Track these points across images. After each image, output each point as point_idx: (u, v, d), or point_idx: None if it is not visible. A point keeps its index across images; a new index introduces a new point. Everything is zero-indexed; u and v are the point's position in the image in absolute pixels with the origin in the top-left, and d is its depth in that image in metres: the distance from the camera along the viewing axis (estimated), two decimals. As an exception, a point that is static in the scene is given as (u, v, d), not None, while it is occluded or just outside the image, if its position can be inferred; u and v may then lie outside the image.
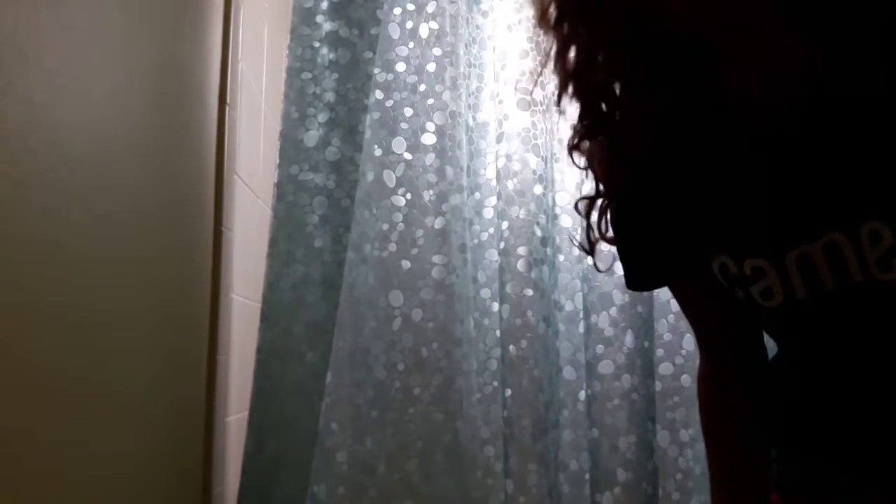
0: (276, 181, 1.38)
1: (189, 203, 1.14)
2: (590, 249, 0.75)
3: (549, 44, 0.68)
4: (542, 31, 0.68)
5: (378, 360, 1.30)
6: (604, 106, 0.69)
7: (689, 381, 1.35)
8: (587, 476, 1.35)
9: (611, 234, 0.75)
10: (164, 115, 1.02)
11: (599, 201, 0.74)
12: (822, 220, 0.60)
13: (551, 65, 0.69)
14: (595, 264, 0.80)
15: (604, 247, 0.77)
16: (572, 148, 0.72)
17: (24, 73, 0.65)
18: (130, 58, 0.90)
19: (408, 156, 1.35)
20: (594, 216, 0.74)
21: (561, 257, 1.42)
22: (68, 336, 0.74)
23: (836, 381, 0.68)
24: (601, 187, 0.74)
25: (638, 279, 0.79)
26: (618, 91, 0.68)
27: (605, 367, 1.39)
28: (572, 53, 0.67)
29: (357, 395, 1.29)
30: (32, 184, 0.66)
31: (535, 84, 0.73)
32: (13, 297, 0.64)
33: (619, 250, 0.77)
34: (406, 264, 1.32)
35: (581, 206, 0.75)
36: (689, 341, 1.36)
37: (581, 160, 0.73)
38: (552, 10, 0.67)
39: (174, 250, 1.07)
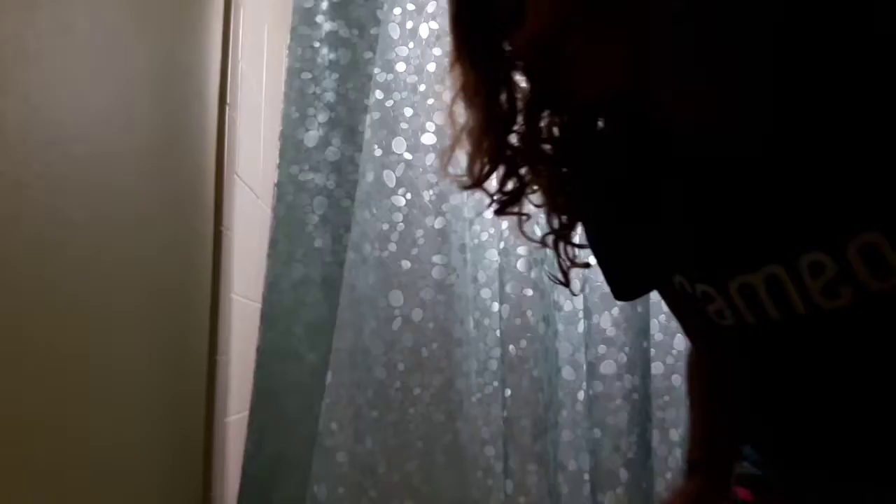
0: (276, 181, 1.38)
1: (189, 203, 1.14)
2: (564, 279, 0.75)
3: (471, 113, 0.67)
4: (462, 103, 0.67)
5: (378, 360, 1.30)
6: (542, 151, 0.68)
7: (679, 380, 1.36)
8: (586, 476, 1.35)
9: (580, 259, 0.75)
10: (164, 115, 1.02)
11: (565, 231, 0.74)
12: (759, 251, 0.60)
13: (468, 138, 0.67)
14: (570, 290, 0.80)
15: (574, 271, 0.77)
16: (503, 209, 0.71)
17: (24, 73, 0.65)
18: (130, 58, 0.90)
19: (408, 156, 1.35)
20: (561, 246, 0.73)
21: (560, 257, 1.42)
22: (68, 336, 0.74)
23: (792, 395, 0.69)
24: (563, 219, 0.72)
25: (620, 290, 0.79)
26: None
27: (607, 368, 1.39)
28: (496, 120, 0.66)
29: (357, 396, 1.29)
30: (32, 184, 0.66)
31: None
32: (13, 297, 0.64)
33: (598, 264, 0.78)
34: (406, 264, 1.32)
35: (549, 240, 0.74)
36: (680, 341, 1.36)
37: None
38: (472, 79, 0.66)
39: (174, 250, 1.07)
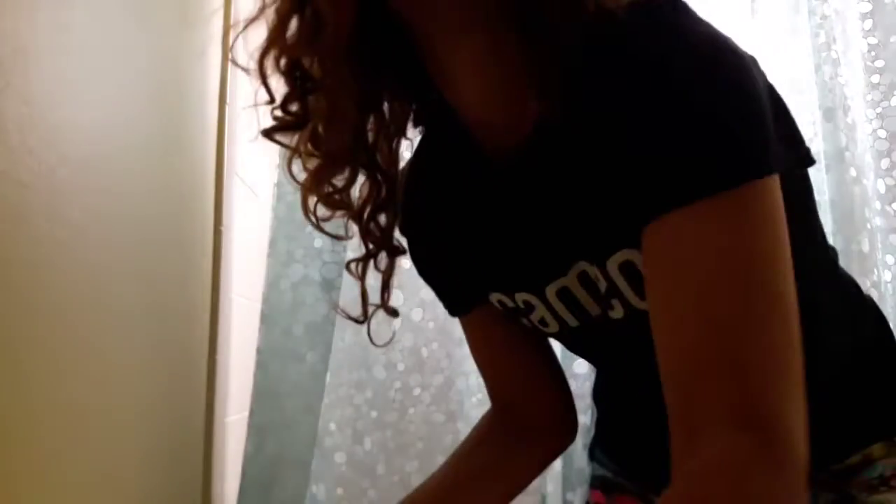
0: (276, 181, 1.38)
1: (189, 203, 1.14)
2: (364, 316, 0.69)
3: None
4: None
5: (378, 360, 1.30)
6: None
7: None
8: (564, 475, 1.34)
9: (392, 301, 0.70)
10: (164, 115, 1.02)
11: (374, 260, 0.68)
12: (568, 252, 0.59)
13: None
14: (370, 336, 0.70)
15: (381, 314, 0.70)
16: (273, 131, 0.65)
17: (24, 73, 0.65)
18: (130, 58, 0.90)
19: (408, 155, 1.34)
20: (371, 278, 0.69)
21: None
22: (68, 336, 0.74)
23: (622, 394, 0.69)
24: (373, 244, 0.68)
25: (452, 307, 0.76)
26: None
27: (579, 367, 1.38)
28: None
29: (357, 396, 1.29)
30: (32, 184, 0.66)
31: None
32: (13, 297, 0.64)
33: (428, 283, 0.76)
34: (406, 264, 1.32)
35: (354, 267, 0.68)
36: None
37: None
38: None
39: (174, 250, 1.07)
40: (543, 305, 0.64)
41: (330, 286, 1.36)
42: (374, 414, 1.29)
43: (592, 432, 1.21)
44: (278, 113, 0.61)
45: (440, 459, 1.28)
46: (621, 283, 0.56)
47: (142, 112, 0.94)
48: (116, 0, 0.86)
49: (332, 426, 1.28)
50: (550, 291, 0.62)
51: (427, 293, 1.31)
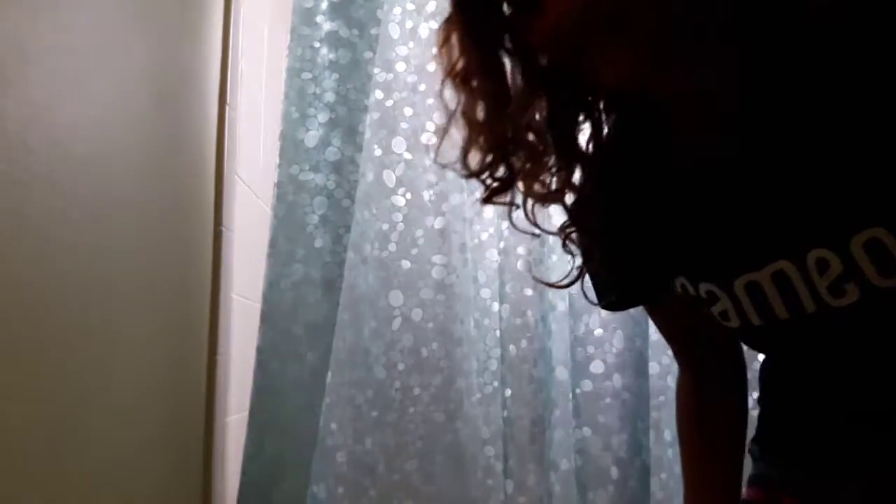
0: (276, 181, 1.38)
1: (189, 203, 1.14)
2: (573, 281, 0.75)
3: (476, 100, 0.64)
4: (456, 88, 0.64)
5: (378, 360, 1.30)
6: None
7: (673, 380, 1.35)
8: (581, 475, 1.34)
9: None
10: (164, 116, 1.02)
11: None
12: (767, 247, 0.60)
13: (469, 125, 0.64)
14: (584, 293, 0.78)
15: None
16: (490, 198, 0.69)
17: (24, 73, 0.65)
18: (130, 58, 0.90)
19: (408, 156, 1.35)
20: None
21: (554, 257, 1.41)
22: (68, 336, 0.74)
23: (803, 392, 0.70)
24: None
25: (608, 301, 0.78)
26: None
27: (596, 367, 1.38)
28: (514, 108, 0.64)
29: (357, 395, 1.29)
30: (32, 184, 0.66)
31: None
32: (13, 297, 0.64)
33: (588, 270, 0.76)
34: (406, 264, 1.32)
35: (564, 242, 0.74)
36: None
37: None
38: (474, 62, 0.63)
39: (174, 250, 1.07)
40: (728, 298, 0.64)
41: (330, 286, 1.36)
42: (374, 414, 1.29)
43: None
44: (489, 182, 0.66)
45: (440, 459, 1.28)
46: (865, 263, 0.55)
47: (142, 112, 0.94)
48: (116, 0, 0.87)
49: (333, 426, 1.28)
50: (738, 285, 0.62)
51: (427, 293, 1.31)
